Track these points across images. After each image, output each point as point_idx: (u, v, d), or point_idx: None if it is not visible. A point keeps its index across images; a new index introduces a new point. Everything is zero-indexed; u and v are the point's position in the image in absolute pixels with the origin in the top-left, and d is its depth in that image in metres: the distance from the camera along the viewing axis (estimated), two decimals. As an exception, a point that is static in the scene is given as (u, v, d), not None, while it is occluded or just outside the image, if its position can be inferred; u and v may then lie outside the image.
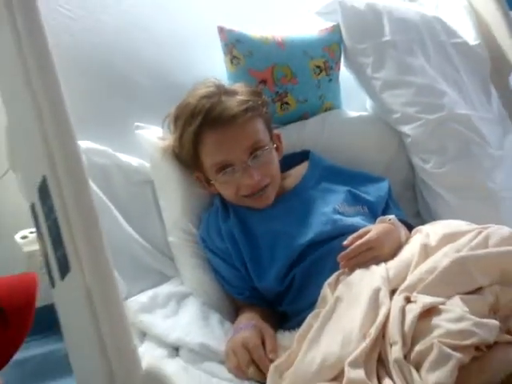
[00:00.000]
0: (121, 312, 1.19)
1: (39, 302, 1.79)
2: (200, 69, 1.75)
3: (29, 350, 2.40)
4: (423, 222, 1.60)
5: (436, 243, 1.35)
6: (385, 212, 1.59)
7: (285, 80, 1.80)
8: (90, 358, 1.27)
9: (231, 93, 1.55)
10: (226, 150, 1.52)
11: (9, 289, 0.75)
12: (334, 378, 1.17)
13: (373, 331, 1.18)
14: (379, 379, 1.14)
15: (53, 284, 1.49)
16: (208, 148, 1.53)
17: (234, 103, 1.52)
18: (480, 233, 1.32)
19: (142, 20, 1.85)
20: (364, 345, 1.16)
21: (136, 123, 1.68)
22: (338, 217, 1.52)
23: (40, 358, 2.38)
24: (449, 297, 1.20)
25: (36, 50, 1.28)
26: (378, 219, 1.50)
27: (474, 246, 1.29)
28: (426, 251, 1.34)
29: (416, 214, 1.85)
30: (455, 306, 1.16)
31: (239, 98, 1.54)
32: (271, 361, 1.30)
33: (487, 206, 1.75)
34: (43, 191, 1.36)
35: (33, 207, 1.51)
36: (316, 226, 1.50)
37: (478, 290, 1.23)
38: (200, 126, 1.51)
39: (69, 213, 1.25)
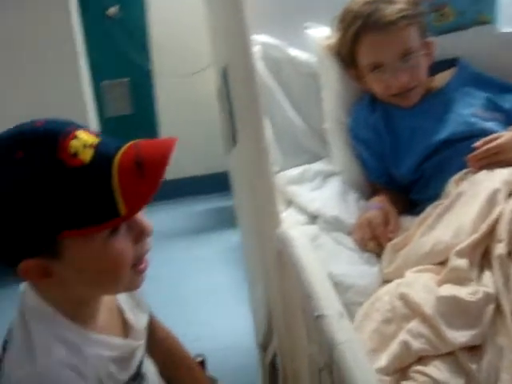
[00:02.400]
0: (270, 182, 1.19)
1: (218, 169, 1.87)
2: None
3: (211, 204, 2.55)
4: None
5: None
6: (521, 122, 1.39)
7: (446, -8, 1.58)
8: (248, 215, 1.29)
9: (391, 1, 1.39)
10: (379, 51, 1.39)
11: (150, 148, 0.75)
12: (440, 263, 1.09)
13: (484, 227, 1.07)
14: (481, 271, 1.04)
15: (227, 151, 1.50)
16: (364, 48, 1.41)
17: (392, 11, 1.36)
18: None
19: None
20: (472, 238, 1.06)
21: (306, 23, 1.58)
22: (473, 119, 1.36)
23: (218, 210, 2.52)
24: None
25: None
26: (511, 127, 1.32)
27: None
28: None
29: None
30: None
31: (397, 6, 1.38)
32: (390, 239, 1.23)
33: None
34: (224, 78, 1.34)
35: (220, 90, 1.50)
36: (451, 126, 1.36)
37: None
38: (359, 29, 1.39)
39: (239, 97, 1.23)
